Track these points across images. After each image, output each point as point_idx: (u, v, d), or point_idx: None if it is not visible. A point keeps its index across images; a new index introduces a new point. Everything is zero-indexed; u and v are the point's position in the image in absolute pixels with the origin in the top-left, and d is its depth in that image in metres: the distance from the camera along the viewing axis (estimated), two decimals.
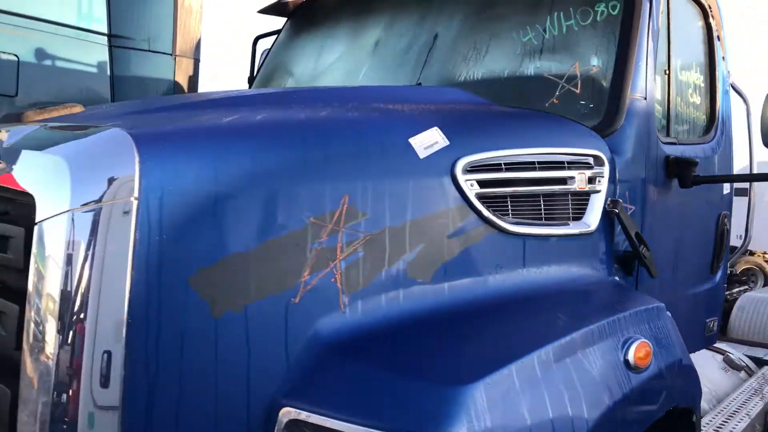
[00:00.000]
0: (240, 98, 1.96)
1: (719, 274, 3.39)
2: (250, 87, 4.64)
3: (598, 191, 2.20)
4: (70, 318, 1.31)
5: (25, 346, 1.33)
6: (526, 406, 1.47)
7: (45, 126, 1.66)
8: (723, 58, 3.40)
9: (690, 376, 2.18)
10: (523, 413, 1.46)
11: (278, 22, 4.35)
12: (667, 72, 2.79)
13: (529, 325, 1.73)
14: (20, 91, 4.16)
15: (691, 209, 2.96)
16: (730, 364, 3.84)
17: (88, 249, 1.33)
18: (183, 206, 1.40)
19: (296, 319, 1.50)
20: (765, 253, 13.71)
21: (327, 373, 1.47)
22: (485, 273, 1.83)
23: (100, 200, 1.34)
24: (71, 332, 1.31)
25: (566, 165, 2.11)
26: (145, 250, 1.35)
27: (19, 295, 1.46)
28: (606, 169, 2.23)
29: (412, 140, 1.76)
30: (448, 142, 1.81)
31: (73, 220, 1.33)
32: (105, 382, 1.30)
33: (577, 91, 2.48)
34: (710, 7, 3.29)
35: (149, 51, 5.35)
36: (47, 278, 1.33)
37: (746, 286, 7.28)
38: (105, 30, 4.77)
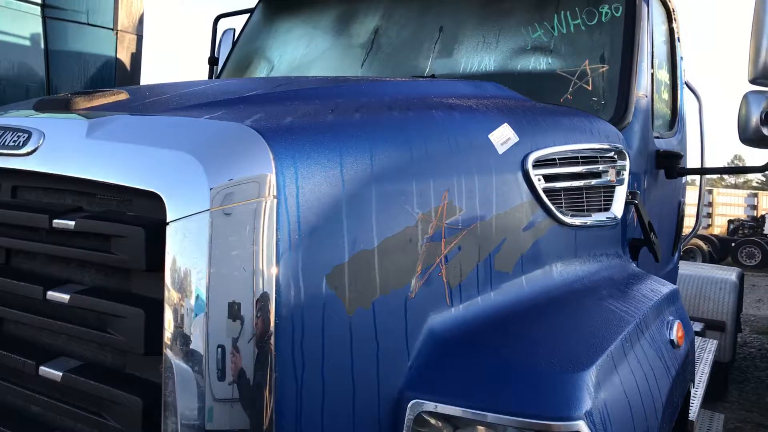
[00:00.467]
0: (315, 89, 1.92)
1: (677, 255, 3.74)
2: (211, 68, 4.47)
3: (623, 183, 2.37)
4: (216, 319, 1.27)
5: (168, 351, 1.28)
6: (621, 383, 1.60)
7: (124, 117, 1.57)
8: (681, 58, 3.71)
9: (694, 351, 2.42)
10: (621, 390, 1.58)
11: (238, 1, 4.21)
12: (652, 70, 3.02)
13: (600, 311, 1.86)
14: None
15: (665, 197, 3.24)
16: None
17: (231, 249, 1.29)
18: (315, 204, 1.39)
19: (413, 313, 1.53)
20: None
21: (445, 365, 1.51)
22: (551, 263, 1.94)
23: (240, 199, 1.31)
24: (219, 334, 1.27)
25: (599, 159, 2.26)
26: (287, 250, 1.33)
27: (137, 298, 1.40)
28: (627, 163, 2.41)
29: (491, 136, 1.83)
30: (518, 138, 1.89)
31: (211, 220, 1.29)
32: (257, 383, 1.28)
33: (589, 88, 2.64)
34: (673, 11, 3.57)
35: (88, 24, 5.00)
36: (189, 280, 1.28)
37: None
38: None
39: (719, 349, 5.60)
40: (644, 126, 2.71)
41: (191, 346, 1.27)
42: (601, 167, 2.25)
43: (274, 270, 1.31)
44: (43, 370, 1.49)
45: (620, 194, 2.37)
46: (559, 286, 1.91)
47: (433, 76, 2.79)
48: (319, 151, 1.44)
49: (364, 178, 1.48)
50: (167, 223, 1.30)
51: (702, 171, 3.24)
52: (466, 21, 2.94)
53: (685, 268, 6.42)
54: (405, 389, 1.48)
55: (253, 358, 1.28)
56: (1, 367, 1.61)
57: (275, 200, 1.33)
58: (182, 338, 1.28)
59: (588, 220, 2.16)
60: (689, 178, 4.02)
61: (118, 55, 5.13)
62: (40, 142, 1.58)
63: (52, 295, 1.50)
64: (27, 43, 4.70)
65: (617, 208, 2.34)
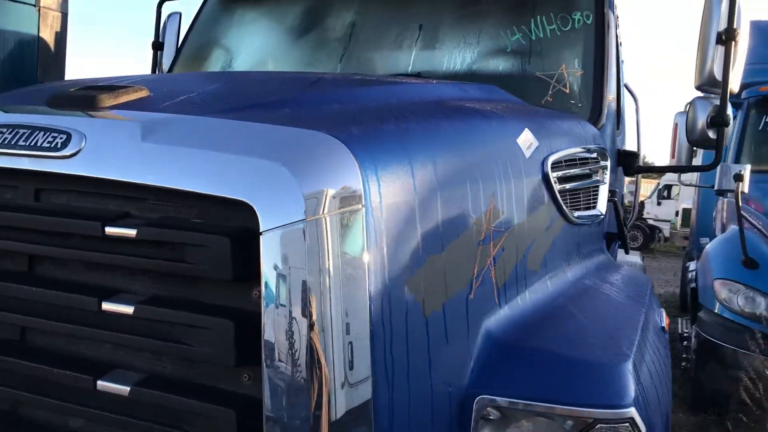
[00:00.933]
0: (362, 91, 1.91)
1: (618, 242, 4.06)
2: (155, 54, 4.26)
3: (605, 182, 2.56)
4: (318, 328, 1.28)
5: (267, 361, 1.27)
6: (648, 370, 1.76)
7: (182, 119, 1.51)
8: (623, 61, 4.00)
9: None
10: (648, 375, 1.74)
11: None
12: (617, 74, 3.25)
13: (615, 304, 2.02)
14: None
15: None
16: None
17: (326, 258, 1.30)
18: (394, 211, 1.42)
19: (473, 313, 1.61)
20: None
21: (503, 362, 1.60)
22: (565, 261, 2.08)
23: (333, 208, 1.32)
24: (319, 342, 1.28)
25: (590, 160, 2.42)
26: (374, 257, 1.36)
27: (217, 308, 1.37)
28: (609, 163, 2.59)
29: (518, 140, 1.92)
30: (538, 143, 2.00)
31: (307, 229, 1.29)
32: (357, 389, 1.30)
33: (567, 91, 2.80)
34: (618, 17, 3.83)
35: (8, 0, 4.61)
36: (288, 289, 1.28)
37: None
38: None
39: None
40: (613, 127, 2.92)
41: (293, 355, 1.27)
42: (591, 167, 2.42)
43: (366, 277, 1.33)
44: (103, 384, 1.43)
45: (603, 192, 2.55)
46: (573, 282, 2.05)
47: (419, 74, 2.85)
48: (395, 159, 1.47)
49: (431, 184, 1.53)
50: (261, 233, 1.29)
51: (656, 169, 3.53)
52: (445, 20, 3.01)
53: None
54: (470, 386, 1.55)
55: (352, 364, 1.30)
56: (36, 381, 1.52)
57: (363, 209, 1.35)
58: (283, 347, 1.28)
59: (585, 218, 2.32)
60: None
61: (41, 34, 4.76)
62: (83, 144, 1.49)
63: (110, 306, 1.43)
64: None
65: (602, 205, 2.53)
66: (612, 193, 2.60)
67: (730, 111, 3.02)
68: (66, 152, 1.49)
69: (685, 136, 3.19)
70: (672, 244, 20.10)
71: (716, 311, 5.04)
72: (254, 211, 1.29)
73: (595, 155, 2.48)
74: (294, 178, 1.31)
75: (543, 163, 2.00)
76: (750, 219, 5.21)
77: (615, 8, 3.12)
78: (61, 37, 4.87)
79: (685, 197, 18.10)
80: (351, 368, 1.30)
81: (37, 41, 4.73)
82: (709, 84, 2.95)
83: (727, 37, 2.88)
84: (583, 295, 2.00)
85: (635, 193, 4.10)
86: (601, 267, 2.36)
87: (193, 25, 3.76)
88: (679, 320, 6.92)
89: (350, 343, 1.31)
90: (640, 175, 4.40)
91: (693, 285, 5.97)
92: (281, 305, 1.28)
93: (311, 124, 1.48)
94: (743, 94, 6.61)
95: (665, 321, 2.24)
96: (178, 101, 1.71)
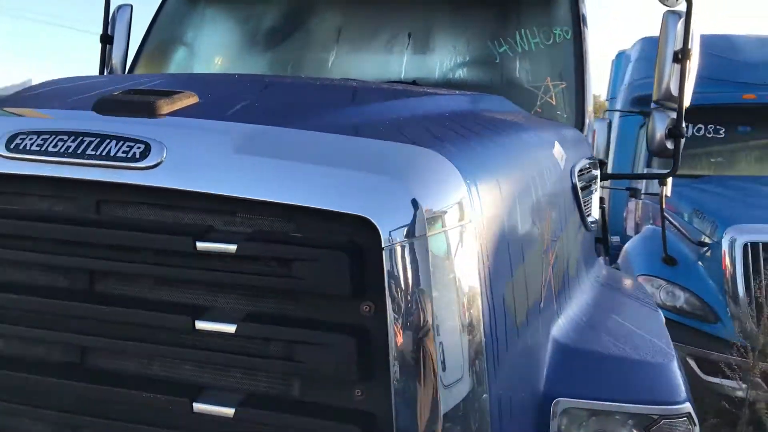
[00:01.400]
0: (429, 102, 1.93)
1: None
2: (103, 47, 4.00)
3: (597, 190, 2.73)
4: (445, 340, 1.30)
5: (397, 375, 1.28)
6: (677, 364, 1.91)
7: (278, 131, 1.48)
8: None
9: None
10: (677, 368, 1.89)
11: None
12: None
13: (635, 305, 2.17)
14: None
15: None
16: None
17: (447, 272, 1.33)
18: (491, 224, 1.47)
19: (543, 320, 1.69)
20: None
21: (572, 367, 1.70)
22: (586, 265, 2.21)
23: (451, 224, 1.34)
24: (444, 353, 1.31)
25: (591, 169, 2.58)
26: (482, 269, 1.40)
27: (328, 324, 1.35)
28: (598, 171, 2.77)
29: (554, 152, 2.02)
30: (566, 154, 2.12)
31: (429, 244, 1.31)
32: (479, 397, 1.34)
33: (553, 102, 2.96)
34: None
35: None
36: (413, 304, 1.29)
37: None
38: None
39: None
40: (589, 137, 3.11)
41: (419, 367, 1.29)
42: (591, 175, 2.58)
43: (479, 290, 1.37)
44: (201, 407, 1.37)
45: (596, 200, 2.72)
46: (596, 285, 2.19)
47: (414, 82, 2.89)
48: (485, 174, 1.52)
49: (511, 197, 1.59)
50: (383, 248, 1.29)
51: (622, 176, 3.80)
52: (434, 28, 3.08)
53: None
54: (547, 389, 1.63)
55: (475, 373, 1.34)
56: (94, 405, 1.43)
57: (471, 223, 1.39)
58: (409, 360, 1.29)
59: (591, 224, 2.47)
60: None
61: None
62: (164, 154, 1.42)
63: (205, 325, 1.37)
64: None
65: (595, 211, 2.70)
66: (601, 200, 2.79)
67: (683, 124, 3.30)
68: (146, 163, 1.41)
69: (646, 146, 3.46)
70: None
71: None
72: (362, 226, 1.30)
73: (593, 163, 2.64)
74: (411, 193, 1.32)
75: (571, 173, 2.12)
76: (670, 219, 5.68)
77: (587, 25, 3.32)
78: None
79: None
80: (471, 378, 1.34)
81: None
82: (665, 99, 3.21)
83: (682, 56, 3.14)
84: (609, 298, 2.14)
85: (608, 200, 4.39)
86: (605, 268, 2.53)
87: (155, 20, 3.58)
88: None
89: (469, 353, 1.34)
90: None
91: None
92: (406, 318, 1.29)
93: (406, 138, 1.49)
94: (651, 105, 7.18)
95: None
96: (238, 109, 1.66)
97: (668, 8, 3.19)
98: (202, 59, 3.41)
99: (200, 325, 1.37)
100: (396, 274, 1.30)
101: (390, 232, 1.30)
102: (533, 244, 1.66)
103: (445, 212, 1.34)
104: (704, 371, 4.82)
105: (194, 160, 1.41)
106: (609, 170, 7.14)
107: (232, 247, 1.36)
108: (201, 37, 3.42)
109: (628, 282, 2.58)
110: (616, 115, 8.47)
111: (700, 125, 6.75)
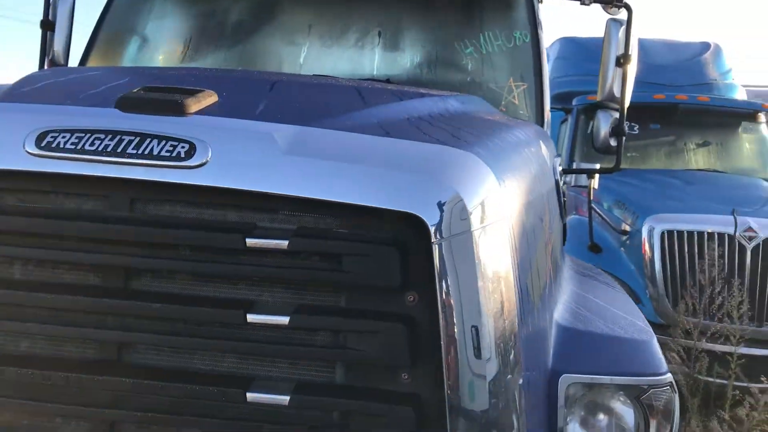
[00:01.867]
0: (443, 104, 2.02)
1: None
2: (44, 33, 3.81)
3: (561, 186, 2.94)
4: (490, 327, 1.43)
5: (449, 361, 1.39)
6: None
7: (322, 132, 1.54)
8: None
9: None
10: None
11: None
12: None
13: (608, 288, 2.39)
14: None
15: None
16: None
17: (489, 265, 1.46)
18: (516, 221, 1.61)
19: (549, 306, 1.85)
20: None
21: (573, 347, 1.86)
22: (562, 255, 2.40)
23: (491, 220, 1.47)
24: (491, 338, 1.43)
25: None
26: (514, 262, 1.54)
27: (377, 314, 1.44)
28: (561, 168, 2.98)
29: (542, 150, 2.19)
30: (554, 153, 2.30)
31: (474, 240, 1.43)
32: (514, 378, 1.48)
33: (516, 102, 3.14)
34: None
35: None
36: (462, 294, 1.41)
37: None
38: None
39: None
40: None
41: (466, 351, 1.41)
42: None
43: (513, 280, 1.51)
44: (254, 396, 1.42)
45: (560, 195, 2.94)
46: (573, 273, 2.39)
47: (388, 80, 2.99)
48: (508, 173, 1.66)
49: (527, 195, 1.74)
50: (433, 243, 1.40)
51: (572, 171, 4.06)
52: (403, 27, 3.18)
53: None
54: (554, 367, 1.79)
55: (512, 354, 1.48)
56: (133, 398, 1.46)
57: (504, 219, 1.52)
58: (457, 345, 1.41)
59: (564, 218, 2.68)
60: None
61: None
62: (209, 153, 1.46)
63: (257, 318, 1.43)
64: None
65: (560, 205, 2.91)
66: (564, 193, 3.00)
67: (625, 123, 3.60)
68: (192, 162, 1.45)
69: (591, 143, 3.73)
70: None
71: None
72: (407, 222, 1.40)
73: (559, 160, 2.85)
74: (456, 192, 1.43)
75: (554, 170, 2.30)
76: (595, 209, 6.09)
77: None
78: None
79: None
80: (509, 358, 1.47)
81: None
82: (608, 99, 3.48)
83: (624, 61, 3.41)
84: (588, 284, 2.35)
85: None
86: (567, 259, 2.75)
87: (111, 6, 3.44)
88: None
89: (507, 337, 1.48)
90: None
91: None
92: (455, 307, 1.41)
93: (435, 140, 1.60)
94: (573, 101, 7.64)
95: None
96: (263, 109, 1.70)
97: (611, 16, 3.47)
98: (164, 49, 3.34)
99: (252, 318, 1.43)
100: (444, 266, 1.41)
101: (438, 228, 1.41)
102: (543, 237, 1.82)
103: (485, 210, 1.47)
104: None
105: (241, 160, 1.46)
106: None
107: (283, 243, 1.42)
108: (162, 26, 3.36)
109: (592, 269, 2.82)
110: None
111: None
